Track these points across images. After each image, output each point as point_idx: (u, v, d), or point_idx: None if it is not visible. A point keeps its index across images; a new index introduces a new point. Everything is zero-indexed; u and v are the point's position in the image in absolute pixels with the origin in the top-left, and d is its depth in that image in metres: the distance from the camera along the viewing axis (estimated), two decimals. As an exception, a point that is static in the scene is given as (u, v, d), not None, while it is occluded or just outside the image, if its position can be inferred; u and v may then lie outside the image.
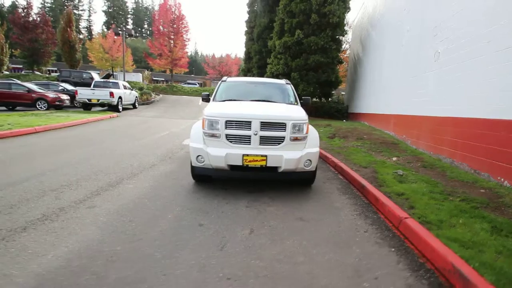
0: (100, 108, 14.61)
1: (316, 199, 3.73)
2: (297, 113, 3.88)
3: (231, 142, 3.61)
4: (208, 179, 4.14)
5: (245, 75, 20.87)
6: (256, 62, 17.28)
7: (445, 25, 5.70)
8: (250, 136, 3.58)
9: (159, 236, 2.53)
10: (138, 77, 36.32)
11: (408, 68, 7.34)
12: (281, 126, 3.62)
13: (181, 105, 20.60)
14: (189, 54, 39.43)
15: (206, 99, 5.06)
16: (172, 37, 33.82)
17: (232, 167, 3.56)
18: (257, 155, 3.50)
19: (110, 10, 54.62)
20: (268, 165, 3.52)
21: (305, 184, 4.21)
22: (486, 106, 4.35)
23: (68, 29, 29.09)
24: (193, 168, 3.88)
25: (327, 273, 2.09)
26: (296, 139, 3.66)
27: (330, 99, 16.32)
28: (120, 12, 55.87)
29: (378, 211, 3.33)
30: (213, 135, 3.65)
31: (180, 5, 34.13)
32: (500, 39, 4.17)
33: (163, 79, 48.64)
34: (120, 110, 14.24)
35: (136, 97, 17.46)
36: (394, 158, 6.01)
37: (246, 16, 23.54)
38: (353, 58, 15.42)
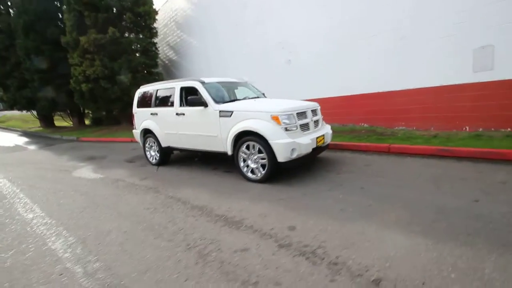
0: None
1: (333, 166, 5.22)
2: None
3: (302, 130, 4.16)
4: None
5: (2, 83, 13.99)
6: (36, 65, 12.21)
7: (290, 41, 8.75)
8: (308, 122, 4.34)
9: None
10: None
11: (265, 72, 9.83)
12: (316, 111, 4.69)
13: None
14: None
15: (198, 103, 4.65)
16: None
17: (313, 150, 4.18)
18: (321, 135, 4.40)
19: None
20: (325, 142, 4.53)
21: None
22: (340, 89, 7.86)
23: None
24: (278, 165, 3.89)
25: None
26: (322, 120, 4.90)
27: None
28: None
29: (367, 151, 5.54)
30: (291, 128, 3.98)
31: None
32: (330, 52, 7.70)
33: None
34: None
35: None
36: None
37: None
38: (163, 61, 15.85)
